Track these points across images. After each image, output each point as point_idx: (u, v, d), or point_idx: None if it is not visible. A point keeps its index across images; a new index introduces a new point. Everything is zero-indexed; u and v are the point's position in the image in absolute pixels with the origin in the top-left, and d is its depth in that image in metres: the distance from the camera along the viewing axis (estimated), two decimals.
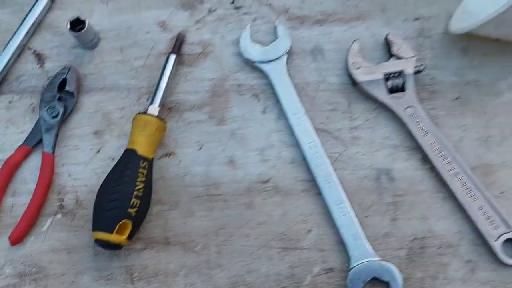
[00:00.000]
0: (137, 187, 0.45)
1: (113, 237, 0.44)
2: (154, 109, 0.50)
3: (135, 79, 0.54)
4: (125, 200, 0.44)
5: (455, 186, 0.46)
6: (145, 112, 0.50)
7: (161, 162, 0.51)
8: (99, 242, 0.45)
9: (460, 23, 0.50)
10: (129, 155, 0.47)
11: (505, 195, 0.47)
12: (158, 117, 0.49)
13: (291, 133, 0.51)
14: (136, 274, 0.47)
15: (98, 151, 0.52)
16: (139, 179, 0.46)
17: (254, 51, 0.53)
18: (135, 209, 0.45)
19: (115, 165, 0.47)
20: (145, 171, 0.47)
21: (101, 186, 0.47)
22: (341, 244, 0.46)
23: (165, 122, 0.50)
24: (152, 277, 0.47)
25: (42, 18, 0.57)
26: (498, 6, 0.43)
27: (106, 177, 0.47)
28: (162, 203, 0.50)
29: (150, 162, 0.48)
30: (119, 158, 0.48)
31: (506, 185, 0.47)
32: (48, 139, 0.51)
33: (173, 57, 0.53)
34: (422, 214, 0.47)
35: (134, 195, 0.45)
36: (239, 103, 0.53)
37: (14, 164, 0.51)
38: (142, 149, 0.48)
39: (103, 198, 0.45)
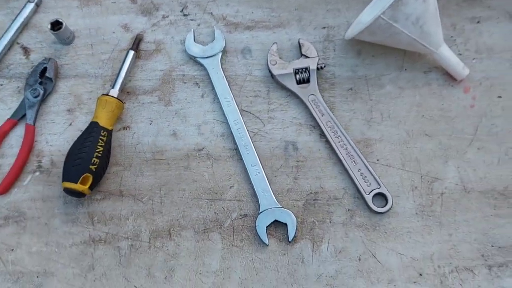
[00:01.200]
0: (98, 150, 0.59)
1: (77, 186, 0.57)
2: (114, 92, 0.64)
3: (101, 69, 0.68)
4: (88, 158, 0.58)
5: (342, 154, 0.61)
6: (107, 94, 0.64)
7: (119, 134, 0.65)
8: (67, 191, 0.58)
9: (351, 32, 0.65)
10: (93, 126, 0.61)
11: (380, 161, 0.61)
12: (117, 98, 0.63)
13: (223, 113, 0.65)
14: (96, 218, 0.60)
15: (70, 124, 0.65)
16: (99, 144, 0.59)
17: (196, 49, 0.67)
18: (95, 166, 0.58)
19: (82, 133, 0.61)
20: (104, 138, 0.60)
21: (70, 148, 0.60)
22: (254, 196, 0.60)
23: (123, 103, 0.64)
24: (108, 220, 0.60)
25: (29, 19, 0.71)
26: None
27: (75, 141, 0.60)
28: (118, 164, 0.63)
29: (109, 132, 0.62)
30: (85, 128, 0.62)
31: (381, 155, 0.62)
32: (30, 114, 0.65)
33: (131, 53, 0.67)
34: (317, 175, 0.61)
35: (94, 156, 0.58)
36: (183, 89, 0.67)
37: (2, 133, 0.65)
38: (103, 121, 0.61)
39: (71, 157, 0.59)
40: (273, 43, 0.67)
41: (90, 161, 0.58)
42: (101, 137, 0.60)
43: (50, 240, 0.60)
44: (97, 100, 0.63)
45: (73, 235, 0.60)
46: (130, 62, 0.67)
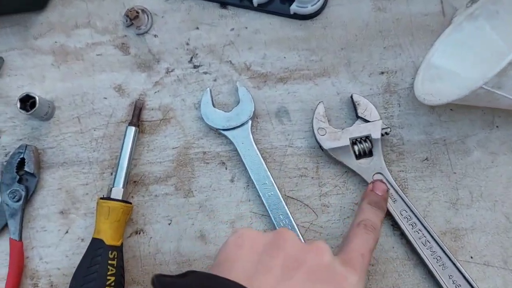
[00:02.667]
0: (109, 281, 0.45)
1: None
2: (117, 192, 0.49)
3: (96, 151, 0.52)
4: None
5: (425, 254, 0.46)
6: (108, 198, 0.48)
7: (131, 241, 0.50)
8: None
9: (425, 86, 0.48)
10: (97, 246, 0.46)
11: (474, 259, 0.47)
12: (122, 200, 0.48)
13: (261, 202, 0.50)
14: None
15: (67, 232, 0.51)
16: (109, 273, 0.45)
17: (216, 118, 0.51)
18: None
19: (84, 257, 0.46)
20: (114, 262, 0.46)
21: (73, 278, 0.46)
22: None
23: (131, 204, 0.49)
24: None
25: None
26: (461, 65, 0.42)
27: (76, 269, 0.46)
28: (136, 283, 0.49)
29: (119, 249, 0.47)
30: (87, 247, 0.47)
31: (475, 250, 0.47)
32: (13, 225, 0.50)
33: (132, 130, 0.51)
34: (393, 282, 0.47)
35: (107, 285, 0.45)
36: (205, 172, 0.51)
37: None
38: (109, 238, 0.47)
39: None
40: (319, 103, 0.50)
41: None
42: (109, 261, 0.46)
43: None
44: (97, 206, 0.48)
45: None
46: (132, 142, 0.51)
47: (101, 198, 0.48)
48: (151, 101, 0.53)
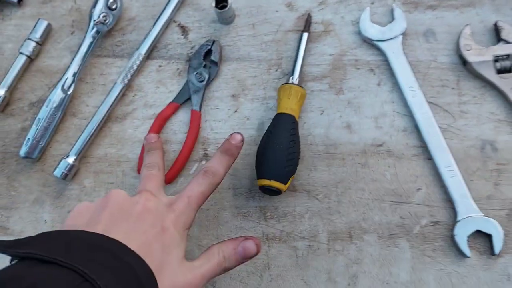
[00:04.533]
0: (299, 148, 0.54)
1: (285, 187, 0.52)
2: (295, 80, 0.58)
3: (265, 51, 0.63)
4: (295, 158, 0.53)
5: None
6: (291, 83, 0.58)
7: None
8: (264, 189, 0.53)
9: None
10: (288, 119, 0.54)
11: None
12: (299, 85, 0.58)
13: (404, 104, 0.58)
14: (269, 214, 0.57)
15: (235, 111, 0.61)
16: (297, 140, 0.54)
17: (373, 31, 0.60)
18: (297, 166, 0.54)
19: (280, 127, 0.54)
20: (297, 131, 0.55)
21: (266, 142, 0.54)
22: (448, 202, 0.54)
23: (305, 90, 0.58)
24: (282, 217, 0.56)
25: None
26: None
27: (272, 135, 0.54)
28: None
29: (297, 123, 0.56)
30: (275, 120, 0.55)
31: None
32: (196, 99, 0.61)
33: (305, 35, 0.61)
34: None
35: (299, 155, 0.54)
36: (355, 75, 0.60)
37: (165, 117, 0.62)
38: (295, 113, 0.55)
39: (281, 155, 0.52)
40: (466, 25, 0.58)
41: (297, 161, 0.54)
42: (296, 131, 0.55)
43: (220, 233, 0.57)
44: (280, 90, 0.58)
45: (244, 230, 0.56)
46: (305, 46, 0.61)
47: (284, 84, 0.58)
48: (315, 17, 0.63)
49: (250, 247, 0.45)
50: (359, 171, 0.57)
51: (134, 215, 0.43)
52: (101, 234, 0.38)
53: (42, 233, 0.37)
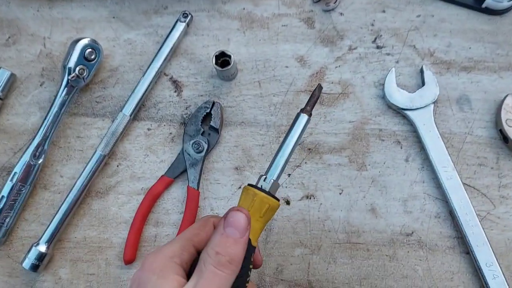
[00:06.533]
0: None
1: None
2: (268, 183, 0.39)
3: (273, 115, 0.54)
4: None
5: None
6: (258, 188, 0.39)
7: (301, 204, 0.51)
8: None
9: None
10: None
11: None
12: (270, 194, 0.38)
13: (436, 185, 0.50)
14: None
15: (239, 187, 0.52)
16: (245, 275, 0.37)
17: (399, 97, 0.52)
18: None
19: None
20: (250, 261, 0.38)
21: None
22: None
23: (278, 201, 0.39)
24: None
25: (178, 42, 0.57)
26: None
27: None
28: (304, 246, 0.50)
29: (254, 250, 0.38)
30: None
31: None
32: (193, 173, 0.52)
33: (304, 118, 0.40)
34: None
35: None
36: (380, 149, 0.52)
37: (156, 194, 0.52)
38: (253, 235, 0.37)
39: None
40: (508, 95, 0.51)
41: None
42: (248, 264, 0.37)
43: None
44: (242, 193, 0.39)
45: None
46: (300, 133, 0.40)
47: (248, 185, 0.39)
48: (332, 75, 0.55)
49: (235, 219, 0.35)
50: (387, 265, 0.49)
51: None
52: None
53: None
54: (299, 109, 0.41)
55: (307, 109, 0.41)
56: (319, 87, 0.41)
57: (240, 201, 0.39)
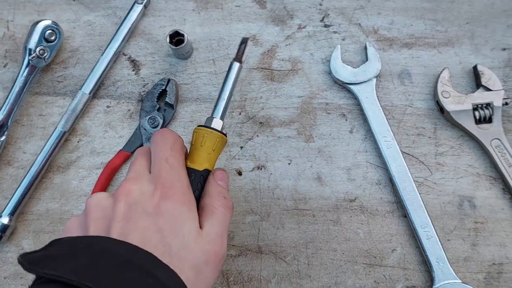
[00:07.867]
0: None
1: None
2: (217, 123, 0.43)
3: None
4: None
5: None
6: (206, 126, 0.43)
7: (253, 174, 0.54)
8: None
9: None
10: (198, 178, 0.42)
11: None
12: (219, 130, 0.43)
13: (378, 154, 0.54)
14: (232, 279, 0.51)
15: None
16: None
17: (344, 72, 0.55)
18: None
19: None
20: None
21: None
22: (424, 264, 0.50)
23: (226, 136, 0.43)
24: (246, 282, 0.51)
25: (136, 24, 0.59)
26: None
27: None
28: (254, 213, 0.53)
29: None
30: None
31: None
32: None
33: (236, 66, 0.44)
34: (501, 241, 0.50)
35: None
36: (326, 121, 0.55)
37: (114, 168, 0.55)
38: (209, 166, 0.42)
39: None
40: (444, 69, 0.54)
41: None
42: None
43: None
44: (193, 135, 0.43)
45: None
46: (235, 78, 0.44)
47: (198, 126, 0.43)
48: (282, 53, 0.57)
49: (223, 176, 0.42)
50: (331, 229, 0.52)
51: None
52: (127, 244, 0.34)
53: (66, 242, 0.34)
54: (232, 59, 0.44)
55: (238, 57, 0.45)
56: (245, 38, 0.46)
57: (193, 140, 0.43)
